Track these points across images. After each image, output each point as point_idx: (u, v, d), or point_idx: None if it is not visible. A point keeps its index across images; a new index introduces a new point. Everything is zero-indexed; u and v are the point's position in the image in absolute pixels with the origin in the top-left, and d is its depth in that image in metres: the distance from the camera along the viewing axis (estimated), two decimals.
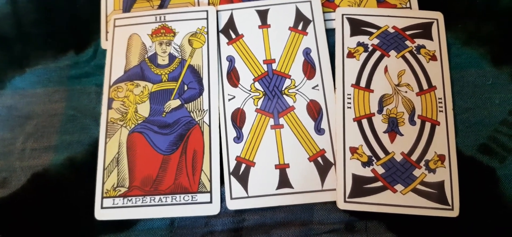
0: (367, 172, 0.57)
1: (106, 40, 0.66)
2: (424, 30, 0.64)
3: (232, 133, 0.59)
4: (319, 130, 0.59)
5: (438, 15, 0.64)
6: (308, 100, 0.61)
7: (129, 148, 0.59)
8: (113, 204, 0.57)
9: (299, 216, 0.57)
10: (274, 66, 0.62)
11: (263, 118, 0.60)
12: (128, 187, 0.57)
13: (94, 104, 0.63)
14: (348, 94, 0.60)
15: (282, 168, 0.58)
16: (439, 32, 0.64)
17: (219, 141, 0.59)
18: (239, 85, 0.62)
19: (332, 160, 0.58)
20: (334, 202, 0.56)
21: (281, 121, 0.60)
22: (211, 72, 0.62)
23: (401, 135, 0.58)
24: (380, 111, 0.59)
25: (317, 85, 0.61)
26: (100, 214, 0.57)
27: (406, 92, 0.60)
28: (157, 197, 0.57)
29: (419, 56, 0.62)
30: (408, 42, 0.63)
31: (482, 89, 0.62)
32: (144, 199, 0.57)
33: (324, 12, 0.65)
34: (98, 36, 0.66)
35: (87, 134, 0.61)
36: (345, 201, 0.56)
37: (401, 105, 0.60)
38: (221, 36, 0.65)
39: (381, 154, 0.58)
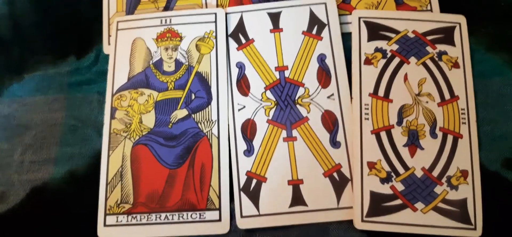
0: (386, 189, 0.54)
1: (109, 44, 0.63)
2: (446, 35, 0.60)
3: (242, 146, 0.57)
4: (334, 143, 0.56)
5: (461, 19, 0.61)
6: (323, 111, 0.57)
7: (134, 161, 0.56)
8: (117, 221, 0.54)
9: (313, 236, 0.54)
10: (286, 73, 0.59)
11: (275, 129, 0.57)
12: (133, 203, 0.55)
13: (96, 114, 0.60)
14: (365, 104, 0.57)
15: (296, 184, 0.55)
16: (462, 37, 0.60)
17: (229, 155, 0.56)
18: (250, 94, 0.59)
19: (348, 176, 0.55)
20: (350, 221, 0.54)
21: (294, 133, 0.57)
22: (220, 80, 0.59)
23: (422, 149, 0.55)
24: (399, 122, 0.56)
25: (332, 94, 0.58)
26: (103, 232, 0.54)
27: (427, 102, 0.57)
28: (163, 215, 0.54)
29: (441, 63, 0.59)
30: (429, 48, 0.59)
31: (507, 99, 0.59)
32: (149, 216, 0.54)
33: (340, 15, 0.62)
34: (100, 40, 0.64)
35: (89, 146, 0.59)
36: (362, 220, 0.53)
37: (422, 116, 0.57)
38: (231, 40, 0.61)
39: (400, 169, 0.55)
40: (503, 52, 0.61)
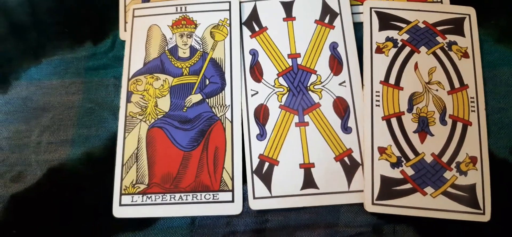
0: (396, 174, 0.55)
1: (125, 30, 0.64)
2: (456, 26, 0.61)
3: (255, 130, 0.57)
4: (346, 129, 0.57)
5: (470, 10, 0.62)
6: (335, 97, 0.58)
7: (149, 143, 0.57)
8: (132, 201, 0.55)
9: (324, 218, 0.55)
10: (299, 60, 0.60)
11: (288, 115, 0.58)
12: (148, 184, 0.55)
13: (112, 97, 0.61)
14: (376, 92, 0.58)
15: (307, 168, 0.56)
16: (472, 28, 0.61)
17: (242, 138, 0.57)
18: (263, 80, 0.59)
19: (359, 160, 0.56)
20: (361, 204, 0.54)
21: (306, 118, 0.57)
22: (234, 66, 0.60)
23: (432, 135, 0.56)
24: (410, 109, 0.57)
25: (344, 81, 0.59)
26: (119, 212, 0.55)
27: (437, 90, 0.58)
28: (177, 195, 0.55)
29: (451, 53, 0.59)
30: (439, 38, 0.60)
31: None
32: (164, 196, 0.55)
33: (351, 5, 0.62)
34: (117, 26, 0.64)
35: (105, 128, 0.60)
36: (373, 203, 0.54)
37: (432, 104, 0.57)
38: (244, 28, 0.62)
39: (410, 155, 0.55)
40: None
